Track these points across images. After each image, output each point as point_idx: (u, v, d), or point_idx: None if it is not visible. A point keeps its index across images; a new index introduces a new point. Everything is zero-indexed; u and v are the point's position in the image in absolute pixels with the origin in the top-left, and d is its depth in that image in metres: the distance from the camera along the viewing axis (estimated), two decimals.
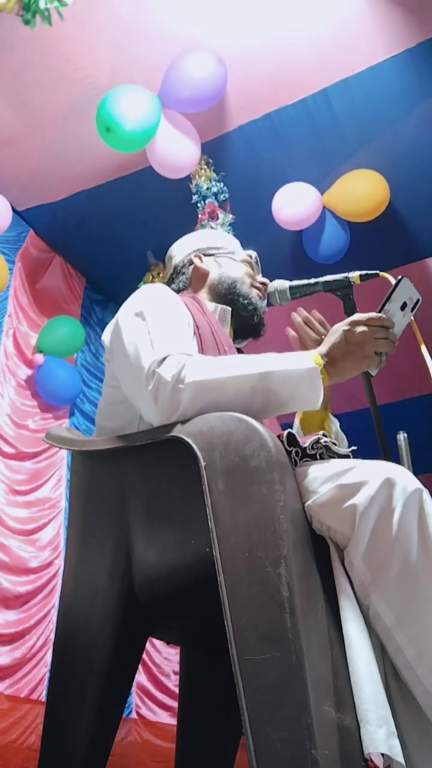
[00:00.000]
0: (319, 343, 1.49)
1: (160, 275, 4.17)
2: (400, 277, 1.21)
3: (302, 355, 1.19)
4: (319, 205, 3.78)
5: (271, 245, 3.91)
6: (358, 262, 1.89)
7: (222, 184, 3.71)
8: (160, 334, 1.24)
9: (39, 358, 4.13)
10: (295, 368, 1.15)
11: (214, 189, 3.70)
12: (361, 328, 1.18)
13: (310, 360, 1.17)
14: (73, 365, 4.49)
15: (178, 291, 1.53)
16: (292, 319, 1.54)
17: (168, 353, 1.17)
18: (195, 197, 3.70)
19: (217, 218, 3.60)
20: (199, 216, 3.64)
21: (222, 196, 3.71)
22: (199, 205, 3.68)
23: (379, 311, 1.19)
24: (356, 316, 1.20)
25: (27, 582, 3.74)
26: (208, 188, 3.69)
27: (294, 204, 3.72)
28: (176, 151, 3.39)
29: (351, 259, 3.69)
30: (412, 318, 1.24)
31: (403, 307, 1.21)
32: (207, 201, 3.67)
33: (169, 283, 1.63)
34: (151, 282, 4.12)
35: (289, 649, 0.90)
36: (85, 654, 1.19)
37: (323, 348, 1.20)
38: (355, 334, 1.18)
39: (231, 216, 3.64)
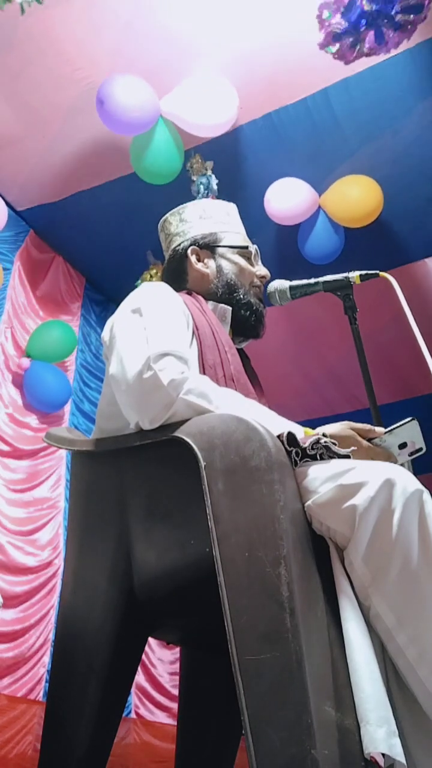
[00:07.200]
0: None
1: (158, 274, 4.15)
2: (412, 418, 1.19)
3: (298, 430, 1.16)
4: (314, 204, 3.76)
5: (271, 245, 3.92)
6: (355, 263, 1.88)
7: (212, 174, 3.71)
8: (155, 331, 1.24)
9: (25, 362, 4.02)
10: None
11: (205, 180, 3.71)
12: (359, 455, 1.17)
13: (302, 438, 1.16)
14: (73, 365, 4.48)
15: (178, 289, 1.53)
16: None
17: (164, 351, 1.18)
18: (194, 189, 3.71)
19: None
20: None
21: (212, 188, 3.70)
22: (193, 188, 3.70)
23: (382, 435, 1.18)
24: (359, 438, 1.19)
25: (25, 582, 3.73)
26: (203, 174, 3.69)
27: (285, 198, 3.69)
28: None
29: (348, 260, 3.69)
30: (408, 462, 1.21)
31: (403, 446, 1.19)
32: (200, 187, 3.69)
33: (167, 270, 1.61)
34: (149, 281, 4.10)
35: (289, 649, 0.90)
36: (85, 654, 1.18)
37: (320, 431, 1.18)
38: (350, 447, 1.17)
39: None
